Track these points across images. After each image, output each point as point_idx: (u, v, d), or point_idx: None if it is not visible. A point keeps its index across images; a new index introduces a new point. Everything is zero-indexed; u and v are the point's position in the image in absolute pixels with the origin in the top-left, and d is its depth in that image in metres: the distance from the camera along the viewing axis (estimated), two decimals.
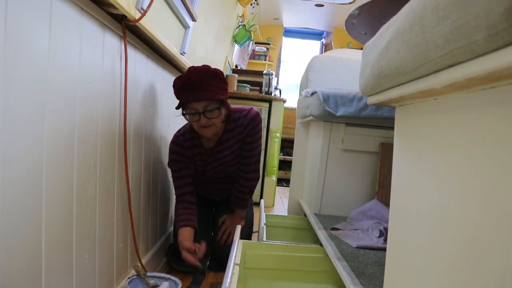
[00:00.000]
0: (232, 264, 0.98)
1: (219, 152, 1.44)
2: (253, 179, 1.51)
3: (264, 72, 2.98)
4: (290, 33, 5.33)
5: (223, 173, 1.51)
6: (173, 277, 1.21)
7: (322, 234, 1.22)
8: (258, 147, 1.48)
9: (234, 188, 1.52)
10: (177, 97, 1.30)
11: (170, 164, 1.43)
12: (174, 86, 1.29)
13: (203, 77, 1.24)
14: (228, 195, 1.59)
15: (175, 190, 1.45)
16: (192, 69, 1.26)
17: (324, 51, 5.19)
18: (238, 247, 1.18)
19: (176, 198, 1.45)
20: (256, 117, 1.44)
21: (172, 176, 1.44)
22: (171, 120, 1.60)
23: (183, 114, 1.31)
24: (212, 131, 1.32)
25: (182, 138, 1.41)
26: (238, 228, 1.30)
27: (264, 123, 1.47)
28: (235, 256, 1.06)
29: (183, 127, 1.46)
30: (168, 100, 1.52)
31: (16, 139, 0.57)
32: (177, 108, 1.30)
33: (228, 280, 0.88)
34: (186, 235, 1.29)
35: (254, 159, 1.48)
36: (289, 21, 4.94)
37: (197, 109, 1.26)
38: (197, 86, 1.23)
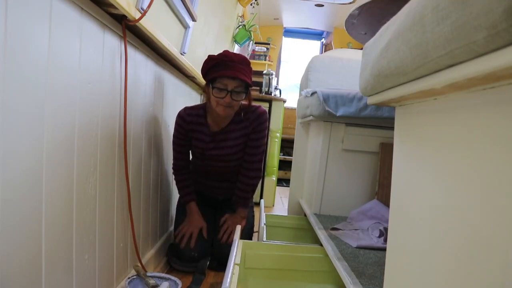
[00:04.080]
0: (232, 264, 0.98)
1: (222, 140, 1.46)
2: (256, 177, 1.52)
3: (264, 72, 2.98)
4: (290, 33, 5.33)
5: (223, 166, 1.52)
6: (173, 277, 1.21)
7: (322, 234, 1.22)
8: (262, 145, 1.50)
9: (236, 186, 1.54)
10: (206, 73, 1.36)
11: (174, 133, 1.51)
12: (207, 61, 1.36)
13: (241, 61, 1.33)
14: (230, 195, 1.60)
15: (175, 159, 1.53)
16: (229, 52, 1.35)
17: (324, 51, 5.19)
18: (238, 247, 1.18)
19: (176, 163, 1.53)
20: (263, 115, 1.48)
21: (173, 147, 1.52)
22: (171, 120, 1.60)
23: (212, 87, 1.35)
24: (228, 111, 1.37)
25: (188, 111, 1.47)
26: (238, 228, 1.30)
27: (267, 123, 1.52)
28: (235, 256, 1.06)
29: (197, 104, 1.52)
30: (168, 100, 1.52)
31: (16, 139, 0.57)
32: (208, 79, 1.36)
33: (228, 280, 0.88)
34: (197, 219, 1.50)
35: (258, 157, 1.50)
36: (289, 21, 4.93)
37: (228, 86, 1.32)
38: (235, 65, 1.31)
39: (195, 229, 1.48)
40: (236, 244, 1.14)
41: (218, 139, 1.47)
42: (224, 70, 1.31)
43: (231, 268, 0.96)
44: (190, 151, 1.57)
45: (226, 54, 1.33)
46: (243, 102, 1.46)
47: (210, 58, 1.36)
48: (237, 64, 1.32)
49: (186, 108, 1.49)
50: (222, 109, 1.35)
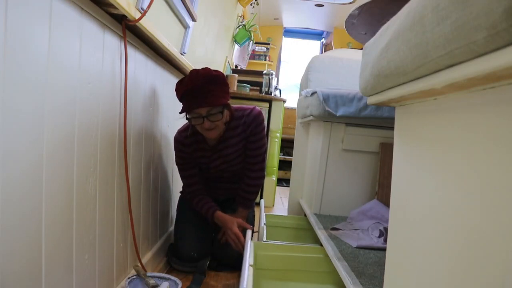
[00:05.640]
0: (247, 265, 0.99)
1: (223, 149, 1.45)
2: (258, 177, 1.52)
3: (264, 72, 2.98)
4: (290, 33, 5.33)
5: (227, 171, 1.52)
6: (173, 277, 1.21)
7: (322, 234, 1.22)
8: (262, 146, 1.49)
9: (240, 188, 1.53)
10: (180, 101, 1.33)
11: (176, 161, 1.49)
12: (177, 91, 1.31)
13: (205, 83, 1.26)
14: (232, 195, 1.60)
15: (186, 188, 1.52)
16: (194, 73, 1.27)
17: (324, 51, 5.19)
18: (251, 248, 1.18)
19: (188, 195, 1.52)
20: (259, 116, 1.46)
21: (180, 174, 1.50)
22: (171, 120, 1.60)
23: (187, 118, 1.34)
24: (215, 132, 1.35)
25: (184, 135, 1.45)
26: (249, 233, 1.33)
27: (264, 123, 1.50)
28: (249, 257, 1.06)
29: (186, 123, 1.49)
30: (168, 100, 1.52)
31: (16, 139, 0.57)
32: (181, 112, 1.33)
33: (245, 282, 0.89)
34: (230, 219, 1.45)
35: (259, 158, 1.50)
36: (289, 21, 4.94)
37: (201, 113, 1.29)
38: (199, 92, 1.25)
39: (234, 228, 1.43)
40: (248, 245, 1.15)
41: (219, 149, 1.46)
42: (191, 100, 1.26)
43: (246, 269, 0.96)
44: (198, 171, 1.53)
45: (191, 82, 1.25)
46: (234, 106, 1.44)
47: (177, 87, 1.30)
48: (203, 89, 1.25)
49: (180, 132, 1.45)
50: (208, 133, 1.34)
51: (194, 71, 1.29)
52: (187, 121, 1.41)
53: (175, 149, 1.46)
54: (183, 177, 1.51)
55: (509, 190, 0.33)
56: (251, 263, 1.07)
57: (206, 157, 1.47)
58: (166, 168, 1.58)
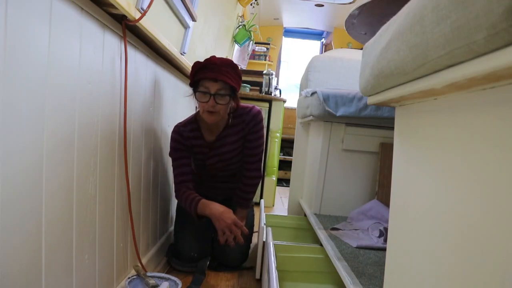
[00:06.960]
0: (273, 268, 0.99)
1: (220, 147, 1.45)
2: (256, 177, 1.52)
3: (264, 72, 2.98)
4: (290, 33, 5.33)
5: (223, 170, 1.52)
6: (173, 277, 1.21)
7: (322, 234, 1.22)
8: (260, 145, 1.49)
9: (237, 188, 1.53)
10: (193, 78, 1.35)
11: (170, 152, 1.47)
12: (193, 66, 1.34)
13: (225, 63, 1.31)
14: (229, 195, 1.59)
15: (175, 178, 1.47)
16: (214, 57, 1.33)
17: (324, 51, 5.19)
18: (273, 249, 1.18)
19: (176, 185, 1.46)
20: (258, 115, 1.46)
21: (172, 164, 1.47)
22: (171, 120, 1.60)
23: (194, 92, 1.35)
24: (215, 118, 1.34)
25: (182, 129, 1.45)
26: (269, 230, 1.33)
27: (264, 123, 1.49)
28: (274, 260, 1.06)
29: (186, 119, 1.49)
30: (168, 100, 1.52)
31: (16, 139, 0.57)
32: (191, 84, 1.35)
33: (275, 284, 0.90)
34: (221, 208, 1.35)
35: (257, 157, 1.50)
36: (289, 21, 4.94)
37: (210, 89, 1.30)
38: (217, 68, 1.29)
39: (232, 227, 1.32)
40: (271, 247, 1.15)
41: (216, 146, 1.46)
42: (207, 72, 1.29)
43: (274, 272, 0.97)
44: (192, 165, 1.50)
45: (209, 59, 1.31)
46: (233, 105, 1.43)
47: (194, 64, 1.34)
48: (220, 67, 1.29)
49: (179, 126, 1.45)
50: (207, 115, 1.32)
51: (214, 56, 1.34)
52: (187, 116, 1.41)
53: (171, 140, 1.43)
54: (175, 167, 1.45)
55: (509, 190, 0.33)
56: (276, 265, 1.05)
57: (203, 153, 1.47)
58: (166, 168, 1.58)
